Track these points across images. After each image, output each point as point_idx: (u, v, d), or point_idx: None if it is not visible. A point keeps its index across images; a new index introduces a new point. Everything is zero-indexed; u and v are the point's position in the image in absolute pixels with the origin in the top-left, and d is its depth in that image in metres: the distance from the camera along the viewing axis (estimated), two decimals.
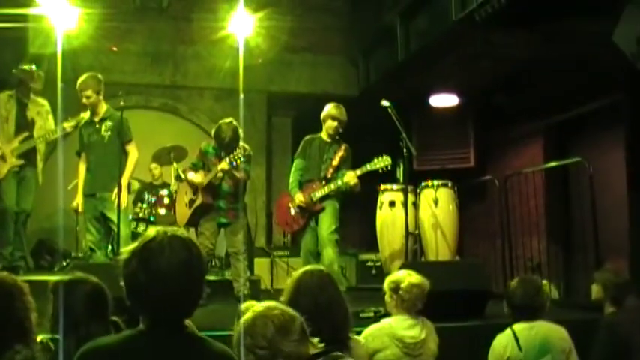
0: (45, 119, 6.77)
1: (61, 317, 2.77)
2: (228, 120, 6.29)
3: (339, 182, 6.25)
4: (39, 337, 2.90)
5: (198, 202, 6.34)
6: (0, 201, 6.64)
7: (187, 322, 3.09)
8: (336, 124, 6.43)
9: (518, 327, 3.96)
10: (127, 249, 2.04)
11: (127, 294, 2.00)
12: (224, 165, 6.09)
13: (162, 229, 2.05)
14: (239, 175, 6.21)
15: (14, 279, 2.73)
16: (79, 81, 6.30)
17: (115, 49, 9.55)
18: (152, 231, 2.05)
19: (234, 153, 6.04)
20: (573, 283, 8.50)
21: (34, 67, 6.74)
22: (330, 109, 6.48)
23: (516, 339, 3.89)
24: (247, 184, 6.65)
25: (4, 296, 2.63)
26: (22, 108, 6.72)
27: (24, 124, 6.69)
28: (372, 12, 10.08)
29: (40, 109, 6.77)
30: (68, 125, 6.40)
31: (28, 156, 6.67)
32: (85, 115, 6.34)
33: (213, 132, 6.38)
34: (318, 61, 10.97)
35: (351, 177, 6.22)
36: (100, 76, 6.41)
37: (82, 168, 6.44)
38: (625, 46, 5.61)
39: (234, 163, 6.07)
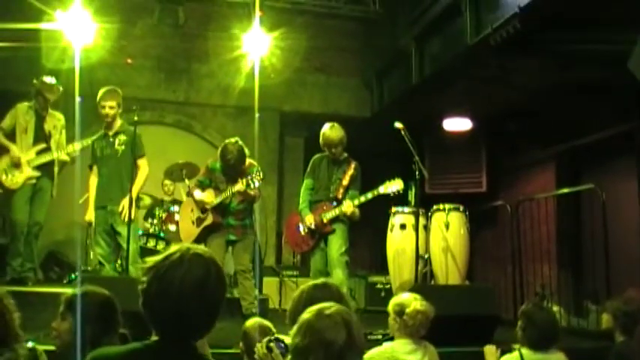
0: (60, 134, 6.87)
1: (78, 329, 2.78)
2: (233, 140, 6.20)
3: (337, 210, 6.25)
4: (30, 344, 2.90)
5: (209, 221, 6.29)
6: (11, 213, 6.69)
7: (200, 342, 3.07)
8: (339, 148, 6.40)
9: (527, 351, 3.94)
10: (150, 259, 2.07)
11: (141, 305, 2.02)
12: (240, 186, 6.04)
13: (187, 245, 2.08)
14: (253, 192, 6.20)
15: None
16: (103, 92, 6.36)
17: (130, 61, 9.63)
18: (175, 246, 2.08)
19: (253, 175, 5.98)
20: (584, 310, 8.44)
21: (53, 80, 6.81)
22: (326, 135, 6.38)
23: None
24: (257, 201, 6.62)
25: None
26: (40, 120, 6.79)
27: (41, 136, 6.77)
28: (387, 35, 10.12)
29: (57, 124, 6.86)
30: (72, 150, 6.55)
31: (46, 167, 6.73)
32: (87, 142, 6.48)
33: (218, 151, 6.30)
34: (331, 82, 11.02)
35: (347, 206, 6.22)
36: (119, 90, 6.49)
37: (94, 181, 6.46)
38: None
39: (251, 185, 6.04)
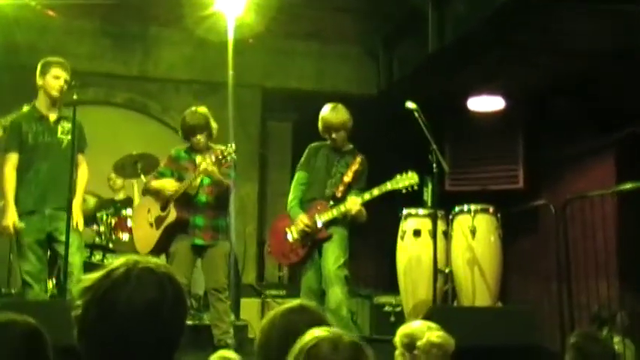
0: None
1: None
2: (194, 108, 6.36)
3: (342, 208, 6.24)
4: None
5: (171, 218, 6.26)
6: None
7: None
8: (341, 133, 6.41)
9: None
10: (87, 277, 2.02)
11: (76, 336, 1.98)
12: (206, 164, 6.02)
13: (134, 258, 2.05)
14: (225, 181, 6.18)
15: None
16: (56, 60, 6.25)
17: (51, 12, 9.50)
18: (120, 260, 2.04)
19: (223, 148, 6.03)
20: None
21: None
22: (326, 119, 6.41)
23: None
24: (232, 197, 6.63)
25: None
26: None
27: None
28: None
29: None
30: None
31: None
32: (6, 120, 6.32)
33: (179, 126, 6.42)
34: (326, 51, 11.06)
35: (352, 203, 6.21)
36: None
37: (12, 173, 6.24)
38: None
39: (222, 161, 6.02)
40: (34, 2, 8.02)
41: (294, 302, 2.76)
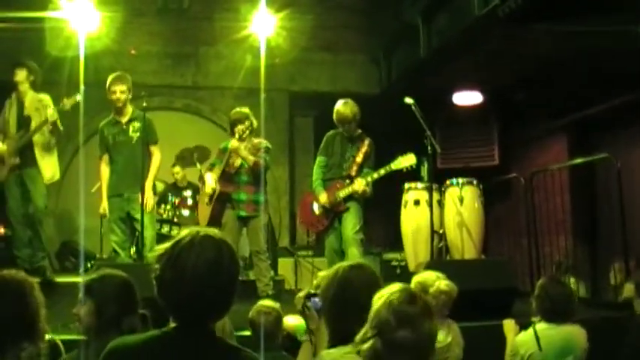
0: (43, 114, 6.49)
1: (96, 313, 2.79)
2: (238, 108, 6.41)
3: (351, 188, 6.23)
4: (47, 336, 2.91)
5: (217, 192, 6.32)
6: (5, 203, 6.57)
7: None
8: (352, 125, 6.37)
9: (541, 326, 3.93)
10: (161, 246, 2.04)
11: (156, 292, 1.99)
12: (234, 142, 6.12)
13: (197, 228, 2.05)
14: (250, 158, 6.19)
15: (24, 276, 2.72)
16: (112, 77, 6.28)
17: (133, 51, 9.58)
18: (185, 230, 2.05)
19: (258, 140, 6.14)
20: (600, 281, 8.40)
21: (23, 65, 6.69)
22: (339, 112, 6.36)
23: (537, 338, 3.86)
24: (267, 175, 6.61)
25: (16, 295, 2.60)
26: (20, 107, 6.59)
27: (21, 122, 6.56)
28: (393, 10, 10.04)
29: (38, 105, 6.57)
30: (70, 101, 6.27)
31: (24, 155, 6.49)
32: (76, 98, 6.21)
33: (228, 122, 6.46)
34: (338, 60, 10.99)
35: (358, 184, 6.20)
36: (128, 76, 6.42)
37: (105, 170, 6.35)
38: None
39: (243, 135, 6.13)
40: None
41: (355, 261, 2.74)
